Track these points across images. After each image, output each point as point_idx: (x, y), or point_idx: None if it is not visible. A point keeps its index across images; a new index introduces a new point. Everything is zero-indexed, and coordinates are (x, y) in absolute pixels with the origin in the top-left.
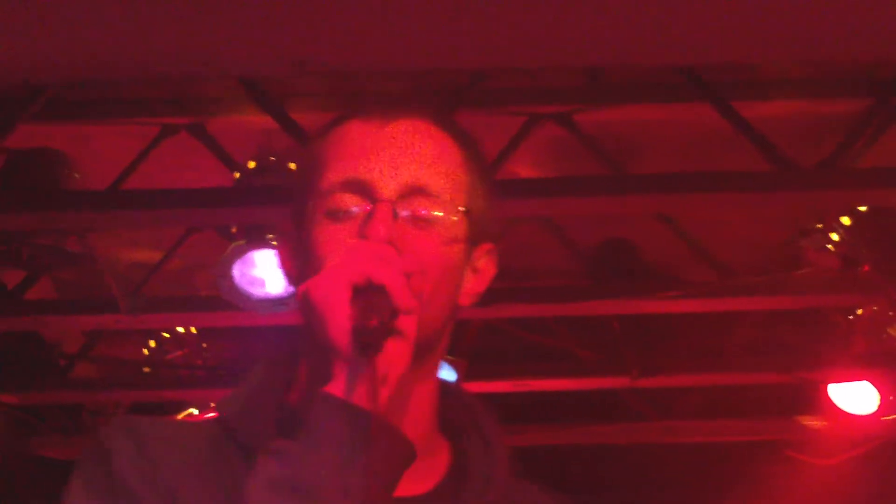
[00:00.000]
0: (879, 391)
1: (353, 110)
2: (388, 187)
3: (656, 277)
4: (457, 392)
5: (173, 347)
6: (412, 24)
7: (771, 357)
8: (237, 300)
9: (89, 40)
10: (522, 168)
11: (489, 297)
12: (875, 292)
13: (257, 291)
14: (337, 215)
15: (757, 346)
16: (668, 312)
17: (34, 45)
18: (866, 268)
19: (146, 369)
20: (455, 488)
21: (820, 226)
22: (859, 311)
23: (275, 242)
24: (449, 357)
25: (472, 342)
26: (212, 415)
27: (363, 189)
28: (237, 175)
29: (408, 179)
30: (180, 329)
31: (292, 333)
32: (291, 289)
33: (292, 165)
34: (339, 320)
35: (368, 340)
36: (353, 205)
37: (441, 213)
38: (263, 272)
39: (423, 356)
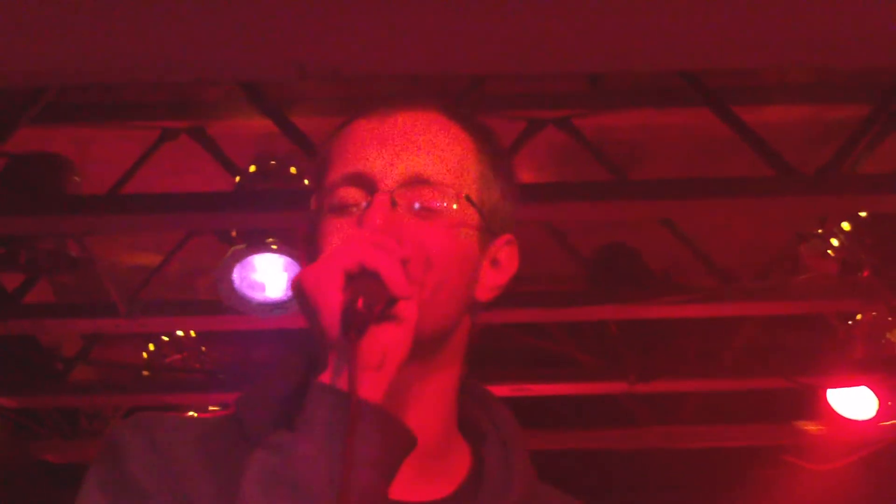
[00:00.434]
0: (878, 396)
1: (359, 111)
2: (387, 178)
3: (656, 282)
4: (482, 395)
5: (172, 351)
6: (413, 29)
7: (770, 362)
8: (237, 304)
9: (89, 44)
10: (523, 173)
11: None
12: (874, 298)
13: (257, 295)
14: (340, 209)
15: (756, 351)
16: (667, 317)
17: (33, 49)
18: (866, 273)
19: (145, 373)
20: (473, 493)
21: (820, 231)
22: (859, 317)
23: (275, 247)
24: None
25: (471, 347)
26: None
27: (364, 181)
28: (237, 179)
29: (408, 169)
30: (179, 333)
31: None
32: (291, 293)
33: (293, 170)
34: (331, 307)
35: (351, 322)
36: (355, 198)
37: (444, 203)
38: (263, 276)
39: (434, 349)
